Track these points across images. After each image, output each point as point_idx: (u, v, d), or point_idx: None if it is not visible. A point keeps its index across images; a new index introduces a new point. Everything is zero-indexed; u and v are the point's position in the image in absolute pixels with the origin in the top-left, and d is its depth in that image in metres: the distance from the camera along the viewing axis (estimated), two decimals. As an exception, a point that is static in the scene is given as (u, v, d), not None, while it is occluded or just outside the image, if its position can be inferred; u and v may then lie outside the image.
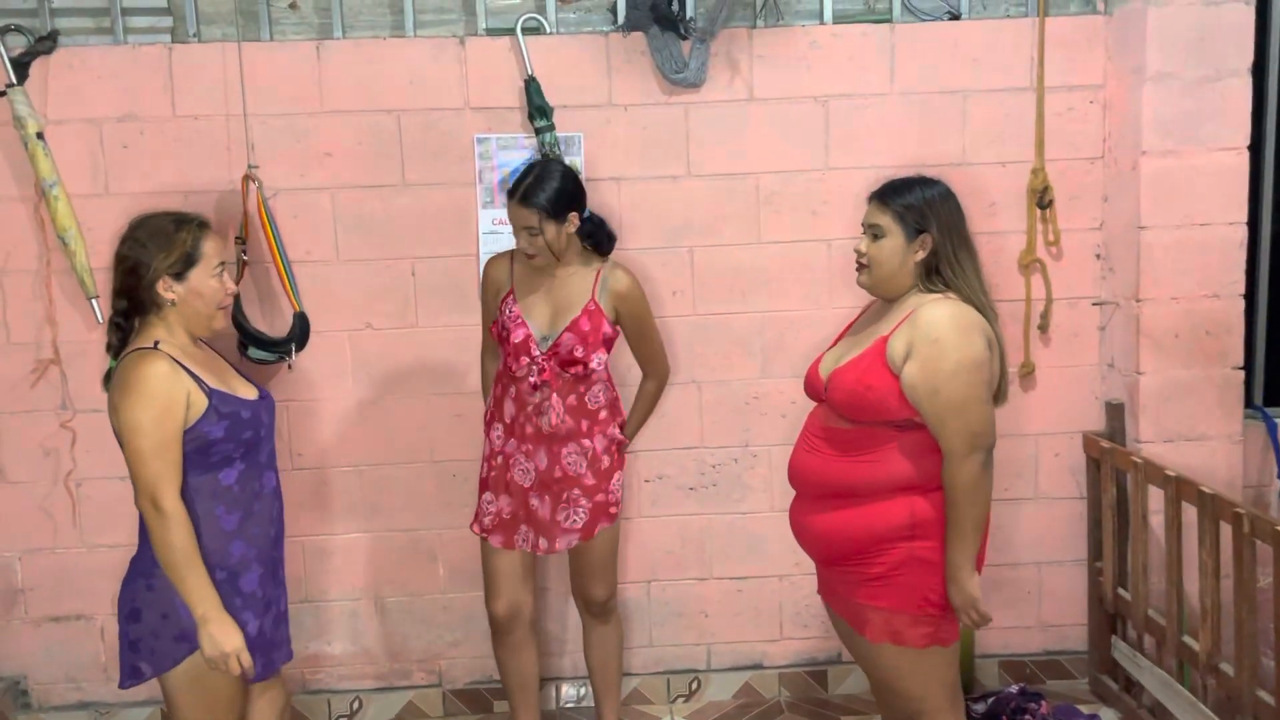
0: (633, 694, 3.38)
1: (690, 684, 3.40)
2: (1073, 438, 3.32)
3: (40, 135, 2.93)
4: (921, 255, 2.21)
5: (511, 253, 2.83)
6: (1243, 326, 3.15)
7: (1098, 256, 3.27)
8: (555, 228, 2.68)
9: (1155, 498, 2.95)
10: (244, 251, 3.03)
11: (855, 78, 3.18)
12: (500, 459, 2.80)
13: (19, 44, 3.01)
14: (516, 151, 3.14)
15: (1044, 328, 3.26)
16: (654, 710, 3.34)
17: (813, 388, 2.35)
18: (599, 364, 2.76)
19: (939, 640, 2.22)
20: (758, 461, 3.30)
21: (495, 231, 3.16)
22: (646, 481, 3.31)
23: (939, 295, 2.20)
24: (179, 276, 2.18)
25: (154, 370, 2.10)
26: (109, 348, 2.24)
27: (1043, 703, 3.13)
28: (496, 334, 2.81)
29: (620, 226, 3.19)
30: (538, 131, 3.08)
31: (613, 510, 2.85)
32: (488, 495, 2.84)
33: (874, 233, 2.25)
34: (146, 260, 2.16)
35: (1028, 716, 3.10)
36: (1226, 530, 2.61)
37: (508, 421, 2.78)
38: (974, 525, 2.15)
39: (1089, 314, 3.29)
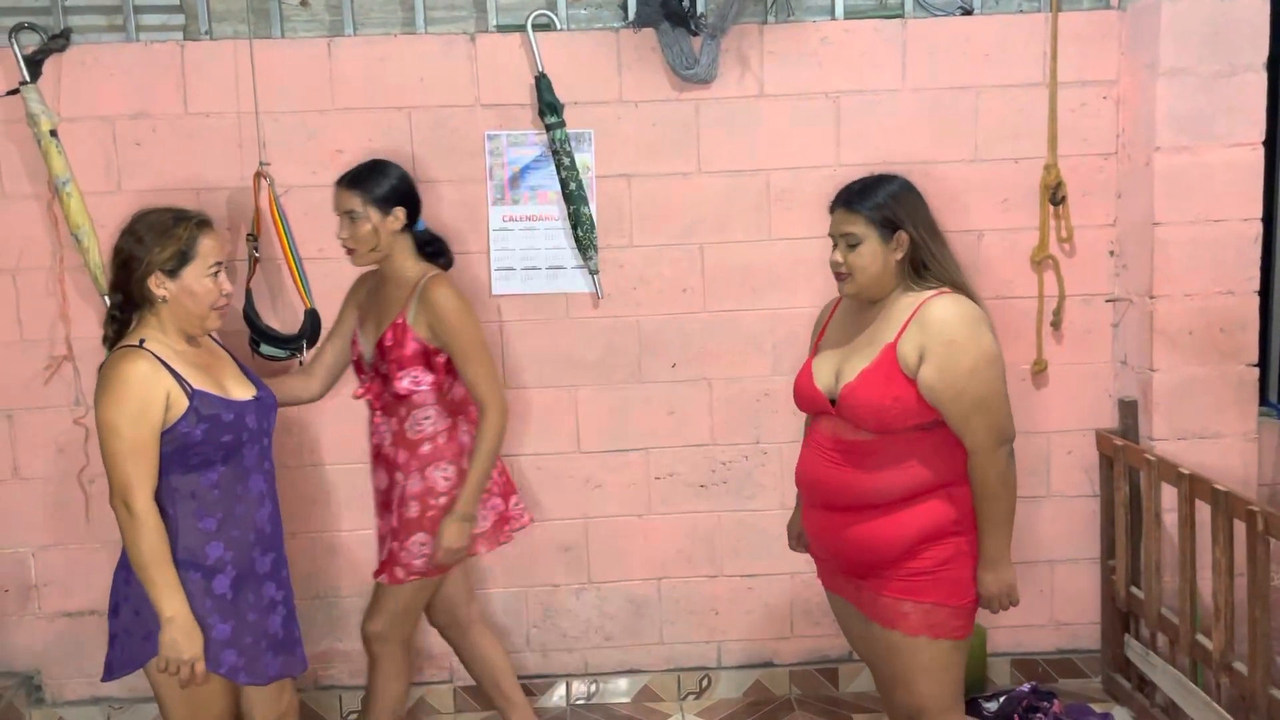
0: (643, 691, 3.38)
1: (701, 681, 3.40)
2: (1085, 435, 3.30)
3: (53, 133, 2.94)
4: (900, 254, 2.20)
5: (373, 270, 2.76)
6: (1258, 323, 3.13)
7: (1111, 253, 3.25)
8: (378, 216, 2.60)
9: (1169, 495, 2.93)
10: (256, 249, 3.04)
11: (867, 74, 3.16)
12: (370, 484, 2.84)
13: (32, 42, 3.02)
14: (527, 148, 3.14)
15: (1057, 324, 3.24)
16: (664, 708, 3.34)
17: (811, 402, 2.31)
18: (409, 385, 2.61)
19: (970, 632, 2.27)
20: (768, 459, 3.29)
21: (506, 228, 3.16)
22: (657, 479, 3.31)
23: (934, 291, 2.19)
24: (172, 273, 2.16)
25: (134, 370, 2.09)
26: (105, 340, 2.24)
27: (1055, 701, 3.12)
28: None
29: (630, 223, 3.20)
30: (548, 128, 3.08)
31: (399, 573, 2.63)
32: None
33: (848, 241, 2.22)
34: (140, 255, 2.14)
35: (1040, 715, 3.09)
36: (1240, 528, 2.59)
37: (368, 445, 2.81)
38: (1008, 515, 2.20)
39: (1102, 311, 3.28)
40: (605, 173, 3.16)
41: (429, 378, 2.65)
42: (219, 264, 2.22)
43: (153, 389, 2.09)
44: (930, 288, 2.20)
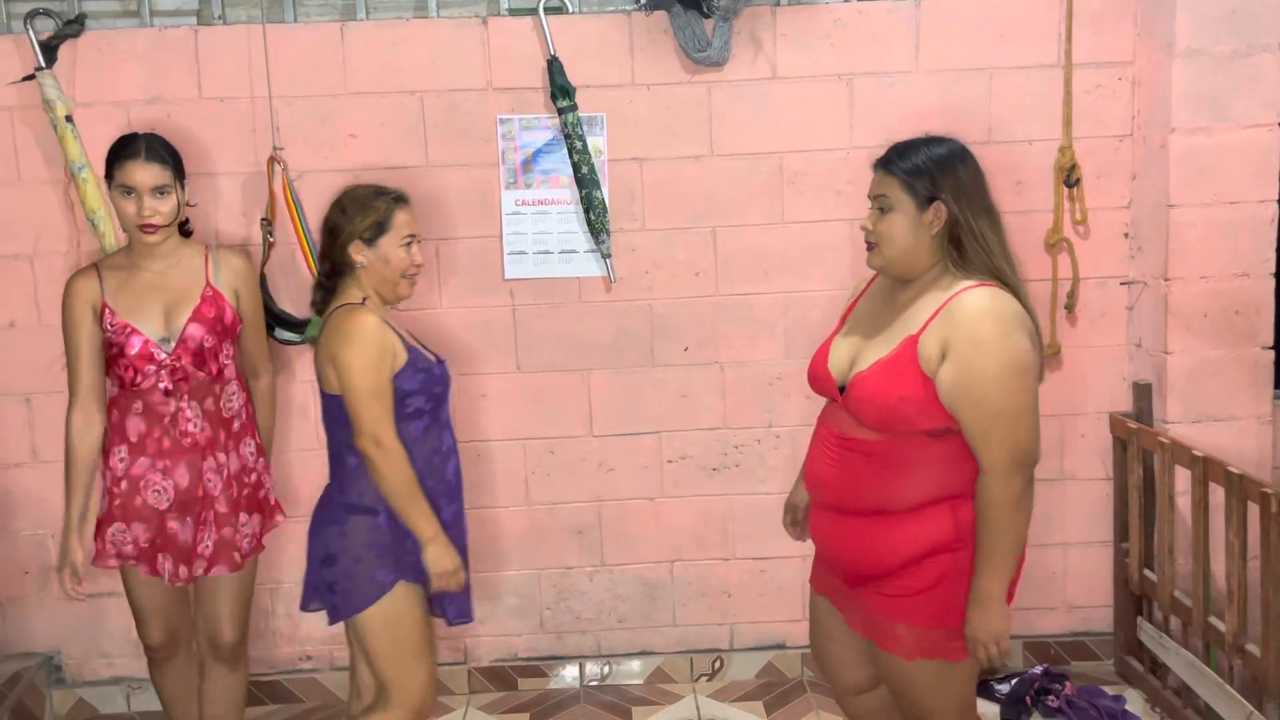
0: (656, 673, 3.40)
1: (713, 663, 3.41)
2: (1099, 418, 3.29)
3: (69, 118, 2.96)
4: (937, 227, 1.95)
5: (95, 265, 2.59)
6: (1273, 306, 3.11)
7: (1126, 235, 3.24)
8: (181, 193, 2.56)
9: (1182, 478, 2.92)
10: (270, 233, 3.06)
11: (880, 55, 3.15)
12: (125, 484, 2.55)
13: (47, 27, 3.03)
14: (540, 132, 3.14)
15: (1071, 307, 3.23)
16: (677, 689, 3.36)
17: (823, 385, 2.11)
18: (228, 358, 2.59)
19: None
20: (780, 442, 3.30)
21: (518, 212, 3.17)
22: (669, 462, 3.32)
23: (974, 282, 1.93)
24: (370, 242, 2.33)
25: (368, 321, 2.27)
26: (313, 304, 2.44)
27: (1067, 683, 3.13)
28: (107, 353, 2.54)
29: (643, 207, 3.20)
30: (560, 112, 3.08)
31: (237, 556, 2.60)
32: (116, 526, 2.56)
33: (881, 205, 2.00)
34: (342, 224, 2.34)
35: (1052, 697, 3.10)
36: (1254, 511, 2.58)
37: (135, 440, 2.53)
38: (1012, 550, 1.93)
39: (1117, 293, 3.26)
40: (617, 156, 3.16)
41: (231, 349, 2.62)
42: (412, 236, 2.39)
43: (384, 339, 2.28)
44: (972, 277, 1.94)
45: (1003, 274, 1.97)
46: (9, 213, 3.13)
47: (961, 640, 2.01)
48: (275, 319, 3.07)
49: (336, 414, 2.31)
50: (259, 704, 3.33)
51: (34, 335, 3.17)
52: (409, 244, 2.37)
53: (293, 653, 3.36)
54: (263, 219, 3.06)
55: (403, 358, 2.30)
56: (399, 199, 2.39)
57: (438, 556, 2.29)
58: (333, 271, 2.38)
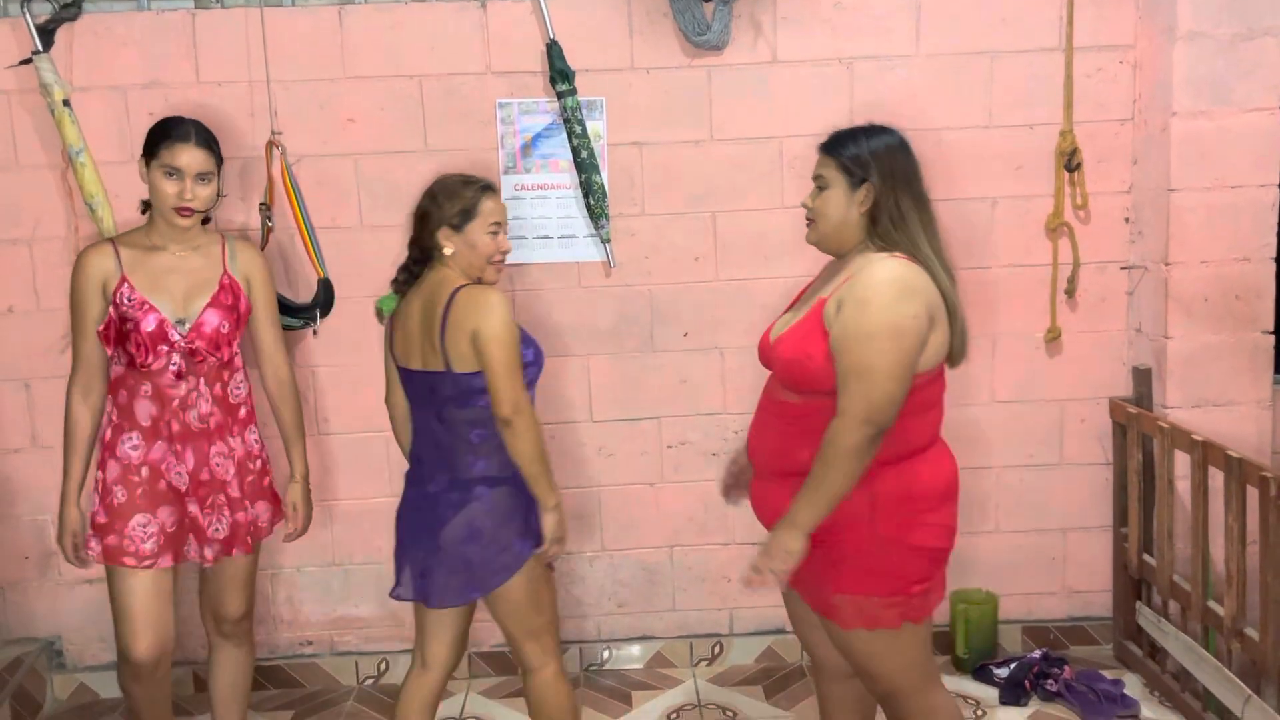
0: (655, 657, 3.41)
1: (713, 648, 3.42)
2: (1099, 403, 3.29)
3: (66, 102, 2.95)
4: (865, 207, 2.09)
5: (110, 241, 2.56)
6: (1274, 290, 3.11)
7: (1126, 220, 3.23)
8: (219, 182, 2.59)
9: (1182, 463, 2.93)
10: (269, 218, 3.05)
11: (880, 39, 3.14)
12: (147, 470, 2.51)
13: (44, 11, 3.01)
14: (539, 116, 3.13)
15: (1071, 292, 3.23)
16: (677, 674, 3.37)
17: (764, 356, 2.24)
18: (239, 346, 2.61)
19: (911, 617, 2.10)
20: (781, 427, 3.30)
21: (518, 197, 3.16)
22: (669, 448, 3.32)
23: (888, 254, 2.06)
24: (457, 228, 2.38)
25: (499, 297, 2.33)
26: (394, 283, 2.47)
27: (1066, 668, 3.14)
28: (113, 332, 2.49)
29: (642, 191, 3.19)
30: (560, 96, 3.07)
31: (249, 540, 2.64)
32: (138, 519, 2.49)
33: (819, 184, 2.16)
34: (433, 211, 2.39)
35: (1051, 681, 3.10)
36: (1253, 495, 2.59)
37: (147, 425, 2.50)
38: (834, 491, 2.00)
39: (1117, 278, 3.26)
40: (617, 141, 3.15)
41: (239, 337, 2.63)
42: (498, 224, 2.43)
43: (510, 314, 2.35)
44: (888, 251, 2.07)
45: (923, 254, 2.08)
46: (7, 198, 3.12)
47: (897, 610, 2.08)
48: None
49: (467, 390, 2.33)
50: (260, 689, 3.34)
51: (33, 320, 3.16)
52: (495, 231, 2.42)
53: (293, 638, 3.37)
54: (261, 204, 3.05)
55: (518, 334, 2.41)
56: (486, 188, 2.44)
57: (558, 523, 2.41)
58: (421, 257, 2.44)
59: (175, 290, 2.52)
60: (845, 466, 1.99)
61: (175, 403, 2.51)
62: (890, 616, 2.08)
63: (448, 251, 2.39)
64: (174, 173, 2.48)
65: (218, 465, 2.56)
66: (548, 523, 2.40)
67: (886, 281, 2.01)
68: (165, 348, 2.48)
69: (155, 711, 2.63)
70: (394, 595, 2.49)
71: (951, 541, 2.16)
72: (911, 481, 2.08)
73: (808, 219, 2.20)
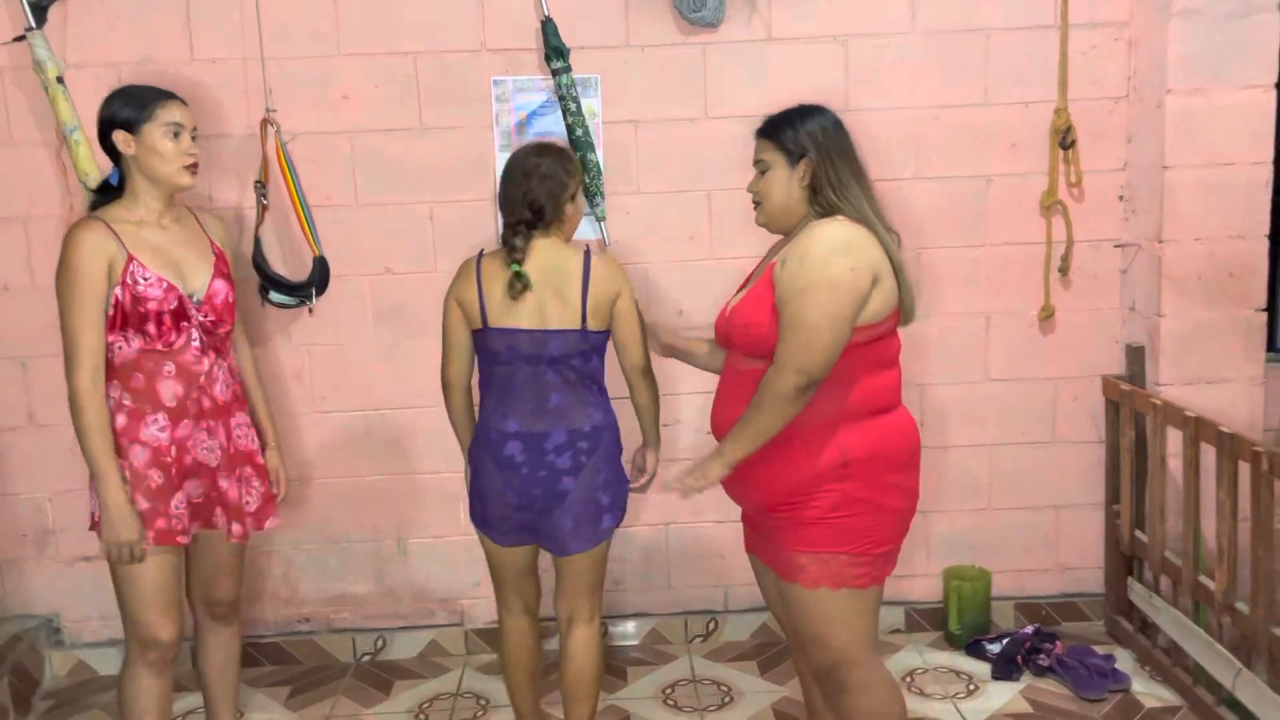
0: (650, 634, 3.43)
1: (708, 625, 3.44)
2: (1092, 381, 3.31)
3: (60, 79, 2.94)
4: (807, 180, 2.18)
5: (98, 219, 2.37)
6: (1267, 268, 3.12)
7: (1120, 198, 3.24)
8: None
9: (1174, 440, 2.94)
10: (264, 196, 3.05)
11: (876, 17, 3.14)
12: (175, 450, 2.40)
13: (37, -12, 3.01)
14: (534, 94, 3.13)
15: (1065, 270, 3.23)
16: (672, 650, 3.39)
17: (722, 331, 2.30)
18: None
19: (876, 579, 2.17)
20: (775, 405, 3.30)
21: (513, 175, 3.16)
22: (665, 425, 3.31)
23: (829, 219, 2.14)
24: (574, 198, 2.51)
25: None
26: (514, 251, 2.44)
27: (1058, 643, 3.16)
28: (122, 314, 2.34)
29: (637, 170, 3.19)
30: (555, 73, 3.06)
31: (268, 523, 2.61)
32: (177, 498, 2.41)
33: (760, 168, 2.24)
34: (570, 182, 2.49)
35: (1042, 656, 3.13)
36: (1245, 470, 2.60)
37: (173, 405, 2.39)
38: (760, 431, 2.09)
39: (1111, 256, 3.27)
40: (612, 118, 3.15)
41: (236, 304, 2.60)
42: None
43: None
44: (832, 216, 2.16)
45: (865, 216, 2.15)
46: (1, 175, 3.11)
47: (864, 569, 2.13)
48: (270, 282, 3.07)
49: (595, 346, 2.49)
50: (257, 665, 3.36)
51: (28, 298, 3.16)
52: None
53: (290, 615, 3.39)
54: (256, 181, 3.05)
55: None
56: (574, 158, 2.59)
57: (657, 460, 2.71)
58: (533, 222, 2.47)
59: (181, 264, 2.42)
60: (775, 410, 2.07)
61: (201, 379, 2.42)
62: (854, 575, 2.13)
63: (569, 215, 2.51)
64: (177, 129, 2.40)
65: (240, 437, 2.53)
66: (652, 459, 2.68)
67: (824, 239, 2.09)
68: (185, 323, 2.40)
69: (167, 707, 2.53)
70: (501, 543, 2.56)
71: (914, 505, 2.22)
72: (881, 442, 2.14)
73: (755, 203, 2.29)
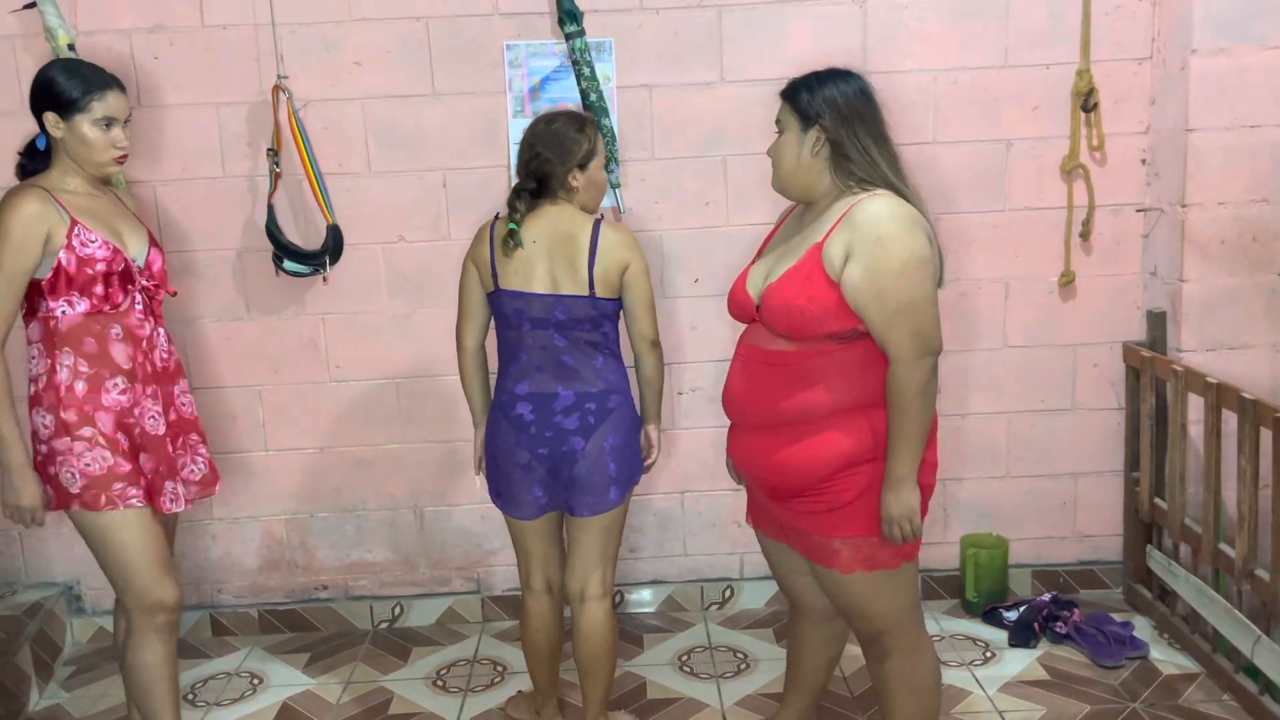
0: (667, 601, 3.44)
1: (724, 592, 3.45)
2: (1113, 348, 3.27)
3: (71, 47, 2.92)
4: (819, 149, 2.08)
5: (39, 187, 2.33)
6: (1292, 232, 3.08)
7: (1143, 161, 3.19)
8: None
9: (1195, 406, 2.91)
10: (276, 163, 3.03)
11: (894, -23, 3.08)
12: (138, 411, 2.39)
13: (46, -46, 2.98)
14: (547, 58, 3.10)
15: (1086, 235, 3.19)
16: (688, 617, 3.40)
17: (740, 308, 2.22)
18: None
19: (908, 556, 2.15)
20: (792, 372, 3.29)
21: (526, 141, 3.13)
22: (680, 394, 3.32)
23: (869, 194, 2.05)
24: (583, 167, 2.46)
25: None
26: (516, 213, 2.44)
27: (1075, 610, 3.15)
28: (68, 276, 2.30)
29: (652, 135, 3.16)
30: (568, 37, 3.03)
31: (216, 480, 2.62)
32: (144, 456, 2.40)
33: (778, 129, 2.17)
34: (576, 149, 2.46)
35: (1060, 624, 3.12)
36: (1267, 437, 2.58)
37: (129, 368, 2.38)
38: (921, 433, 2.04)
39: (1133, 221, 3.22)
40: (626, 83, 3.12)
41: None
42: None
43: None
44: (867, 191, 2.07)
45: (897, 188, 2.08)
46: (12, 144, 3.09)
47: (895, 549, 2.11)
48: (284, 251, 3.06)
49: (603, 314, 2.47)
50: (276, 632, 3.38)
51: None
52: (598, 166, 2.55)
53: (308, 583, 3.41)
54: (268, 149, 3.03)
55: None
56: (593, 123, 2.53)
57: (659, 437, 2.67)
58: (538, 189, 2.46)
59: (121, 231, 2.41)
60: (921, 405, 2.02)
61: (144, 343, 2.42)
62: (887, 557, 2.12)
63: (576, 185, 2.47)
64: (112, 122, 2.37)
65: (183, 404, 2.52)
66: (653, 433, 2.64)
67: (891, 217, 2.00)
68: (130, 287, 2.39)
69: (177, 676, 2.51)
70: (518, 516, 2.56)
71: (935, 479, 2.19)
72: None
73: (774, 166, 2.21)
